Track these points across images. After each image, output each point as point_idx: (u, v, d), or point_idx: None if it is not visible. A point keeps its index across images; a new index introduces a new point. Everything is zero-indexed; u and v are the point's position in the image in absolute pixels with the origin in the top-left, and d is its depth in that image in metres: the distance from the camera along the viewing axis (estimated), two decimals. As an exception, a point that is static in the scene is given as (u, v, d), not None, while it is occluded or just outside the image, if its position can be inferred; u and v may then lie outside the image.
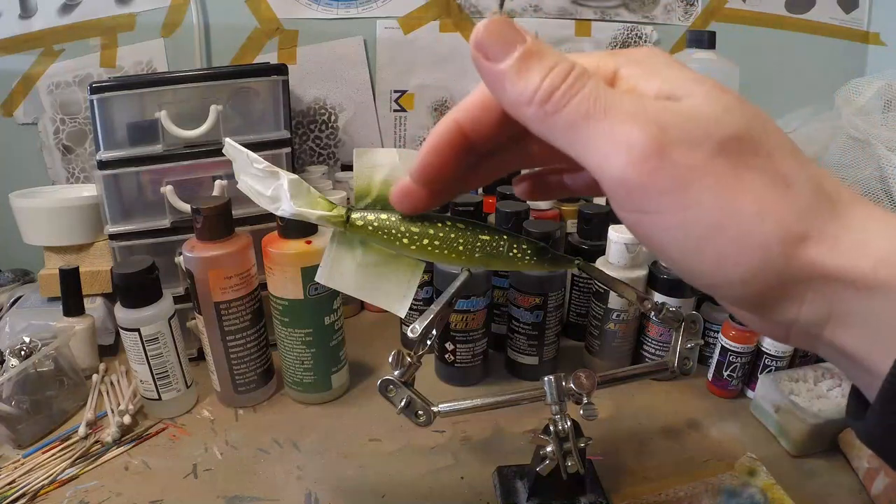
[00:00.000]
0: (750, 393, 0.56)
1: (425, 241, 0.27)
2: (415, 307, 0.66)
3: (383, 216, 0.27)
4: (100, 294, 0.65)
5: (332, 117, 0.86)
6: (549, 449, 0.39)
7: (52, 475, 0.47)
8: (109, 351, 0.64)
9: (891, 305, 0.17)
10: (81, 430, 0.51)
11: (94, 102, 0.57)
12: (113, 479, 0.47)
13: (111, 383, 0.59)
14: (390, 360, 0.39)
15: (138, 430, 0.52)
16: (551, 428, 0.39)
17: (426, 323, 0.40)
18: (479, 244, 0.28)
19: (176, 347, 0.53)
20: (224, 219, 0.51)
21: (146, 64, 0.80)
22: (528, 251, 0.30)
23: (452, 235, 0.28)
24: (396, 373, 0.39)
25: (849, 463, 0.48)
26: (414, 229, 0.27)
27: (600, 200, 0.68)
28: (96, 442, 0.51)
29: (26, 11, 0.76)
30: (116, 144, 0.58)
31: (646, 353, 0.60)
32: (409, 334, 0.40)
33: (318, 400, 0.57)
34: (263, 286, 0.53)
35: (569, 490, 0.43)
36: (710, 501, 0.44)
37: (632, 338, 0.60)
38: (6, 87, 0.79)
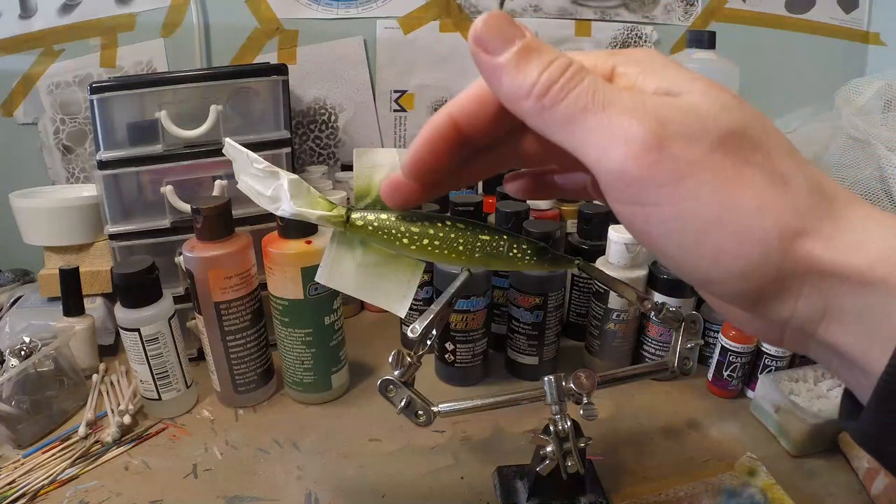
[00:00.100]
0: (750, 393, 0.56)
1: (425, 241, 0.27)
2: (415, 307, 0.66)
3: (383, 216, 0.27)
4: (100, 294, 0.65)
5: (332, 117, 0.86)
6: (549, 449, 0.39)
7: (52, 475, 0.47)
8: (109, 351, 0.64)
9: (886, 303, 0.17)
10: (81, 430, 0.51)
11: (94, 102, 0.57)
12: (113, 479, 0.47)
13: (111, 383, 0.59)
14: (390, 360, 0.39)
15: (138, 430, 0.52)
16: (551, 428, 0.39)
17: (426, 323, 0.40)
18: (479, 244, 0.28)
19: (176, 347, 0.53)
20: (224, 219, 0.51)
21: (146, 64, 0.80)
22: (528, 251, 0.30)
23: (452, 235, 0.28)
24: (396, 373, 0.39)
25: (849, 463, 0.48)
26: (414, 229, 0.27)
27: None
28: (96, 442, 0.51)
29: (26, 11, 0.76)
30: (116, 144, 0.58)
31: (646, 353, 0.60)
32: (409, 334, 0.40)
33: (318, 400, 0.57)
34: (263, 286, 0.53)
35: (569, 490, 0.43)
36: (710, 501, 0.44)
37: (632, 338, 0.60)
38: (6, 87, 0.79)
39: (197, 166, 0.60)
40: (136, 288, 0.50)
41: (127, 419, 0.52)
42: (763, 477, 0.46)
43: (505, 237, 0.29)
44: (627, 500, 0.45)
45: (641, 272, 0.57)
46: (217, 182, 0.60)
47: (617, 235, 0.56)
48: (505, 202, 0.63)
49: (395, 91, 0.86)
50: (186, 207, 0.58)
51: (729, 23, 0.86)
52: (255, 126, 0.64)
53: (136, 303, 0.50)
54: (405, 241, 0.27)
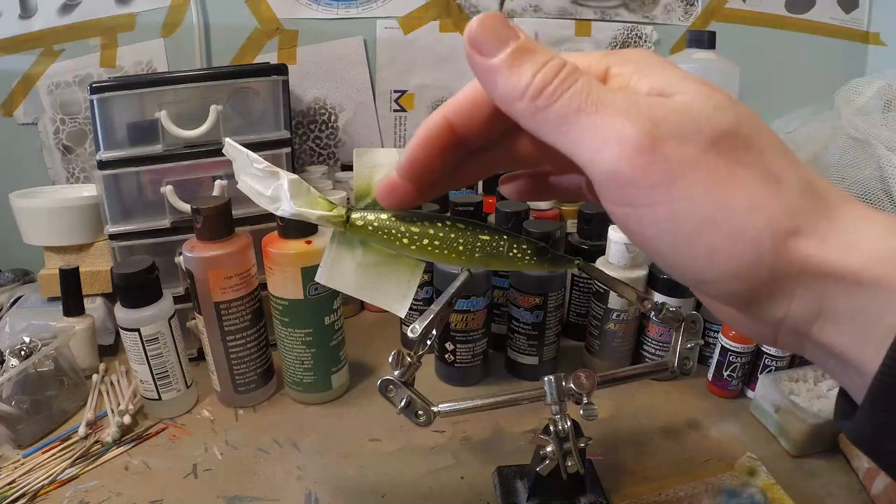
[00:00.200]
0: (750, 393, 0.56)
1: (425, 241, 0.27)
2: (415, 307, 0.66)
3: (383, 216, 0.27)
4: (100, 294, 0.65)
5: (332, 117, 0.86)
6: (549, 449, 0.39)
7: (52, 475, 0.47)
8: (109, 351, 0.64)
9: (880, 302, 0.17)
10: (81, 430, 0.51)
11: (94, 102, 0.57)
12: (113, 479, 0.47)
13: (111, 383, 0.59)
14: (390, 360, 0.39)
15: (138, 430, 0.52)
16: (551, 428, 0.39)
17: (426, 323, 0.40)
18: (479, 244, 0.28)
19: (176, 347, 0.53)
20: (224, 219, 0.51)
21: (146, 64, 0.80)
22: (528, 251, 0.30)
23: (452, 235, 0.28)
24: (396, 373, 0.39)
25: (849, 463, 0.48)
26: (414, 229, 0.27)
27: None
28: (96, 442, 0.51)
29: (26, 11, 0.76)
30: (116, 144, 0.58)
31: (646, 353, 0.60)
32: (409, 334, 0.40)
33: (318, 400, 0.57)
34: (263, 286, 0.53)
35: (569, 490, 0.43)
36: (710, 501, 0.44)
37: (632, 338, 0.60)
38: (6, 87, 0.79)
39: (197, 166, 0.60)
40: (136, 288, 0.50)
41: (127, 419, 0.52)
42: (763, 477, 0.46)
43: (505, 237, 0.29)
44: (627, 500, 0.45)
45: (641, 272, 0.57)
46: (217, 182, 0.60)
47: (617, 235, 0.56)
48: (505, 202, 0.63)
49: (395, 91, 0.86)
50: (186, 207, 0.58)
51: (729, 23, 0.86)
52: (255, 126, 0.64)
53: (136, 303, 0.50)
54: (405, 241, 0.27)
